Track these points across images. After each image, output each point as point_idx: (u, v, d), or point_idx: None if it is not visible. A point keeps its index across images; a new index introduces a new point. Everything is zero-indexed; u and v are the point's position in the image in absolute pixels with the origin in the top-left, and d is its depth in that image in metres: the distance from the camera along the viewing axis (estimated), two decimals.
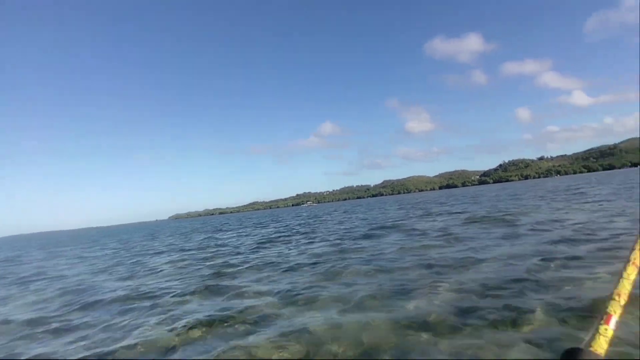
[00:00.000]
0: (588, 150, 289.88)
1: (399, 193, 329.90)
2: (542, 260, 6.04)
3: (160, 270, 10.01)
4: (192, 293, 6.60)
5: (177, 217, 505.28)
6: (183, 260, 11.74)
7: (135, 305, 6.26)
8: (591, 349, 0.79)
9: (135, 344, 4.24)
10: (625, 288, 0.96)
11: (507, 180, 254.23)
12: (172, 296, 6.54)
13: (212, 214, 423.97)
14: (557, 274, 5.18)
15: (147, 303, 6.29)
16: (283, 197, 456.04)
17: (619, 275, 0.99)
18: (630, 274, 1.00)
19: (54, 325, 5.58)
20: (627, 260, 1.03)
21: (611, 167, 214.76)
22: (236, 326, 4.50)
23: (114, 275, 10.04)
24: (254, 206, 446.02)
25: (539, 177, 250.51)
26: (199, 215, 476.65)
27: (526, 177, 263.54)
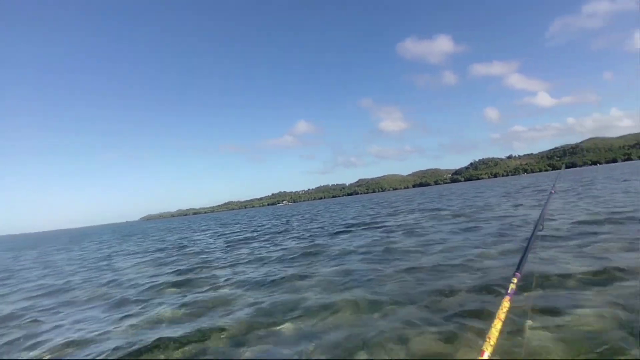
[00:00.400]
0: (552, 149, 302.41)
1: (374, 191, 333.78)
2: (477, 248, 6.88)
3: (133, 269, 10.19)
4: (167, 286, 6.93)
5: (148, 218, 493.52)
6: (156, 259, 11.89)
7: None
8: None
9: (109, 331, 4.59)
10: (494, 335, 1.45)
11: (478, 179, 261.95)
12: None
13: (186, 214, 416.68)
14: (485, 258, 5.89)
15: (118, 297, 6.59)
16: (258, 196, 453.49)
17: (490, 325, 1.53)
18: (497, 324, 1.53)
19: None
20: (494, 317, 1.58)
21: (574, 165, 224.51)
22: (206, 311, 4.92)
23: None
24: (228, 206, 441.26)
25: (508, 175, 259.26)
26: (171, 216, 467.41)
27: (495, 175, 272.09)
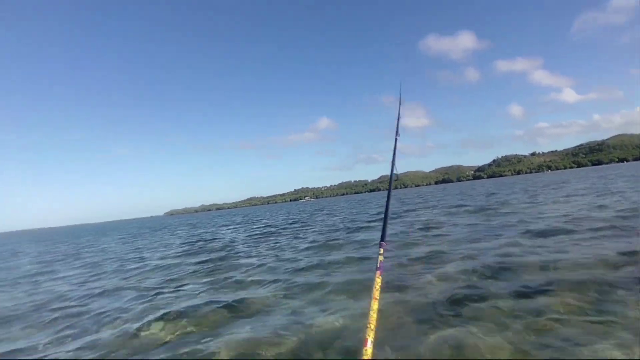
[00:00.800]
0: (578, 146, 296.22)
1: (396, 188, 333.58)
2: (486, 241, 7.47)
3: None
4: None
5: (172, 213, 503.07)
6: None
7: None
8: None
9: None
10: (373, 318, 1.38)
11: (501, 176, 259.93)
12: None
13: (209, 210, 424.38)
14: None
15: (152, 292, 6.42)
16: (281, 192, 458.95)
17: (369, 309, 1.44)
18: (374, 305, 1.45)
19: None
20: (371, 298, 1.51)
21: (599, 163, 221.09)
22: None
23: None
24: (251, 201, 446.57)
25: (531, 172, 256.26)
26: (195, 211, 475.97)
27: (518, 173, 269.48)
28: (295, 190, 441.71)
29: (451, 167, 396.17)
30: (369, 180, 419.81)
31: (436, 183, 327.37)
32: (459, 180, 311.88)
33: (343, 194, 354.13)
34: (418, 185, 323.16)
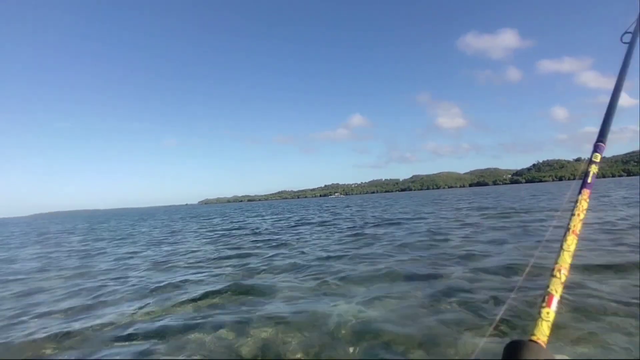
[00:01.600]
0: (629, 153, 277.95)
1: (428, 188, 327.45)
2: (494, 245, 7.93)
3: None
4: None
5: (206, 202, 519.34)
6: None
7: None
8: (534, 337, 0.69)
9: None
10: (565, 262, 0.84)
11: (540, 181, 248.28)
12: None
13: (241, 201, 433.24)
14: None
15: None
16: (311, 187, 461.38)
17: (559, 248, 0.85)
18: (570, 244, 0.86)
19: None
20: (566, 229, 0.92)
21: None
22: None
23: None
24: (281, 195, 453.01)
25: (574, 179, 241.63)
26: (227, 201, 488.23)
27: (560, 179, 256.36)
28: (325, 185, 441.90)
29: (487, 169, 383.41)
30: (401, 179, 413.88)
31: (470, 185, 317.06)
32: (495, 183, 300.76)
33: (373, 192, 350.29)
34: (451, 187, 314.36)
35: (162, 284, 6.04)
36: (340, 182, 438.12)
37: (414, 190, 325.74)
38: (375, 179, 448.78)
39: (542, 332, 0.71)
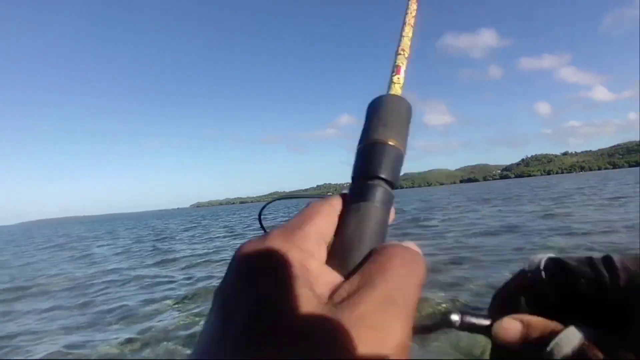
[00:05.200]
0: (614, 146, 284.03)
1: (420, 186, 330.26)
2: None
3: None
4: None
5: (198, 206, 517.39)
6: None
7: None
8: (391, 92, 0.75)
9: None
10: (406, 44, 1.12)
11: (529, 175, 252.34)
12: None
13: (233, 203, 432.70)
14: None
15: None
16: (304, 187, 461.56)
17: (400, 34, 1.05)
18: (408, 32, 1.14)
19: None
20: (402, 22, 1.30)
21: (638, 164, 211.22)
22: None
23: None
24: (274, 196, 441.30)
25: (562, 172, 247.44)
26: (219, 204, 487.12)
27: (548, 173, 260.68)
28: (317, 186, 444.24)
29: (477, 165, 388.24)
30: None
31: (461, 182, 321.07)
32: (485, 179, 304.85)
33: None
34: (442, 184, 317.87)
35: None
36: (333, 182, 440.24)
37: (405, 188, 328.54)
38: None
39: (396, 90, 0.57)
